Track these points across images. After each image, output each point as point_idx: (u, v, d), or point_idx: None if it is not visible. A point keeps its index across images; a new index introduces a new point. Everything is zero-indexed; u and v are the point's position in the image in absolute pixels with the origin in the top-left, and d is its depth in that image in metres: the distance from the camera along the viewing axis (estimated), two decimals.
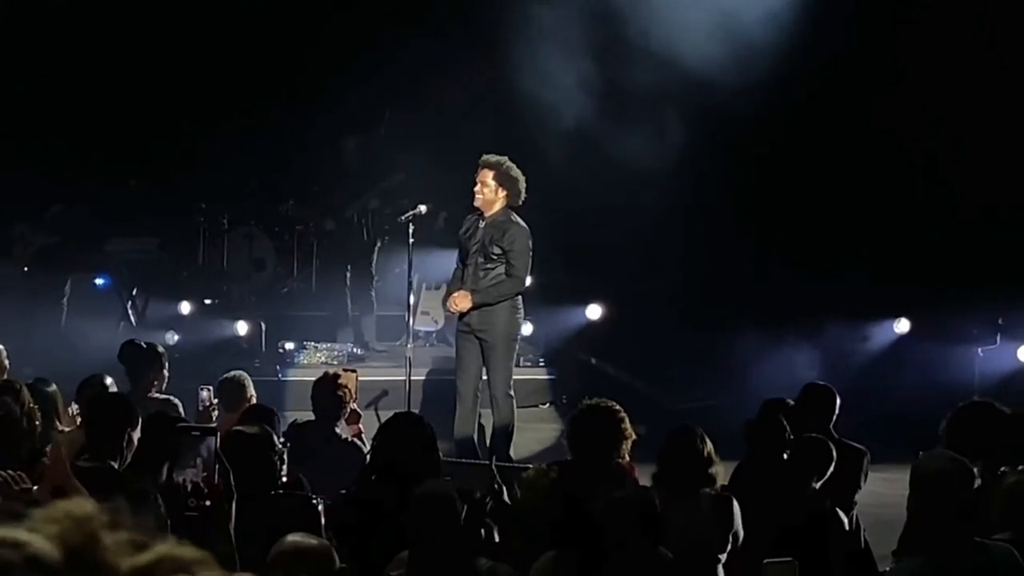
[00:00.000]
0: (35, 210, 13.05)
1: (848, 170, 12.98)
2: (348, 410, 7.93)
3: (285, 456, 6.21)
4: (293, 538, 4.41)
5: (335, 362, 12.25)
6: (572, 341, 13.25)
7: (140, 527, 1.88)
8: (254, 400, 8.05)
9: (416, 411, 9.07)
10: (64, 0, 13.73)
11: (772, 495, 6.23)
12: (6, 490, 4.48)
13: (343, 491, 6.22)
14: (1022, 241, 12.05)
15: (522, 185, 9.73)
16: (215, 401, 7.84)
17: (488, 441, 9.95)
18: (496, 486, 5.87)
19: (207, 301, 13.60)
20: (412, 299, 10.73)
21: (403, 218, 10.51)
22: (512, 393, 9.82)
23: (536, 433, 11.04)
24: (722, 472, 6.26)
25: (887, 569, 5.93)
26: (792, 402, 7.25)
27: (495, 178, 9.71)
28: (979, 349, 11.97)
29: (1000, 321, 12.03)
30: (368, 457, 6.83)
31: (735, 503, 6.02)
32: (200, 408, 7.77)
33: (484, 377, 9.82)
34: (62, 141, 13.21)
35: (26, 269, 12.84)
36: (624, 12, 12.23)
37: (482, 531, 5.44)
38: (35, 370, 8.55)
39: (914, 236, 12.62)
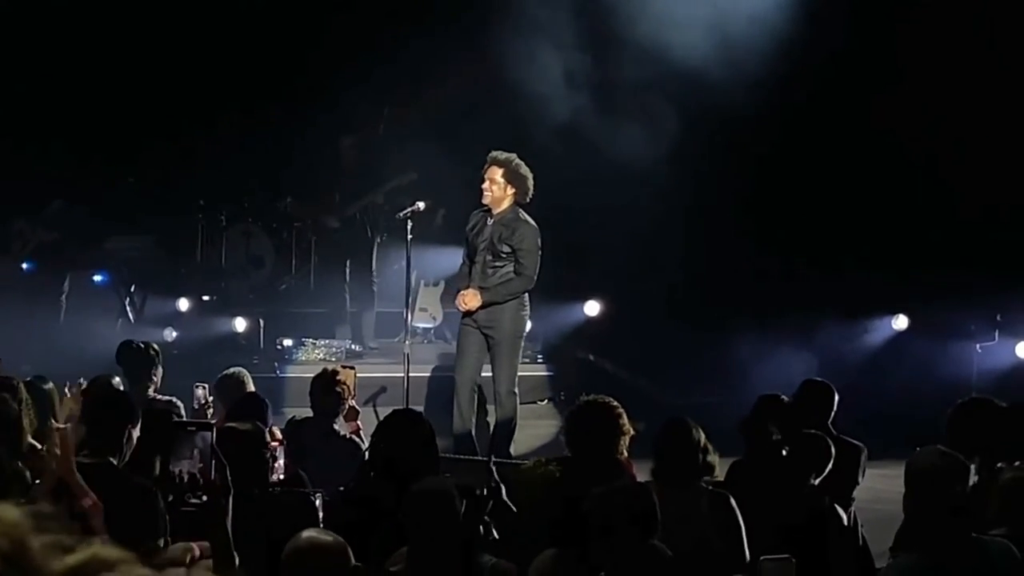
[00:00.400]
0: (34, 207, 13.04)
1: (848, 170, 12.98)
2: (346, 407, 7.92)
3: (279, 452, 6.19)
4: (309, 534, 4.35)
5: (333, 359, 12.25)
6: (571, 338, 13.24)
7: (140, 526, 1.90)
8: None
9: (414, 407, 9.05)
10: (64, 0, 13.72)
11: (770, 492, 6.22)
12: None
13: (341, 488, 6.22)
14: (1020, 239, 12.06)
15: (530, 183, 9.70)
16: (210, 399, 7.85)
17: (490, 437, 9.95)
18: (494, 483, 5.85)
19: (205, 298, 13.62)
20: (410, 296, 10.72)
21: (401, 215, 10.51)
22: (516, 391, 9.81)
23: (534, 429, 11.02)
24: (718, 463, 6.26)
25: (885, 566, 5.92)
26: (786, 398, 7.25)
27: (504, 175, 9.68)
28: (977, 345, 11.97)
29: (998, 317, 12.04)
30: (367, 454, 6.82)
31: (731, 500, 6.01)
32: (196, 406, 7.78)
33: (486, 373, 9.82)
34: (62, 140, 13.21)
35: (24, 266, 12.84)
36: (624, 12, 12.22)
37: (481, 528, 5.43)
38: (33, 367, 8.53)
39: (914, 235, 12.62)
